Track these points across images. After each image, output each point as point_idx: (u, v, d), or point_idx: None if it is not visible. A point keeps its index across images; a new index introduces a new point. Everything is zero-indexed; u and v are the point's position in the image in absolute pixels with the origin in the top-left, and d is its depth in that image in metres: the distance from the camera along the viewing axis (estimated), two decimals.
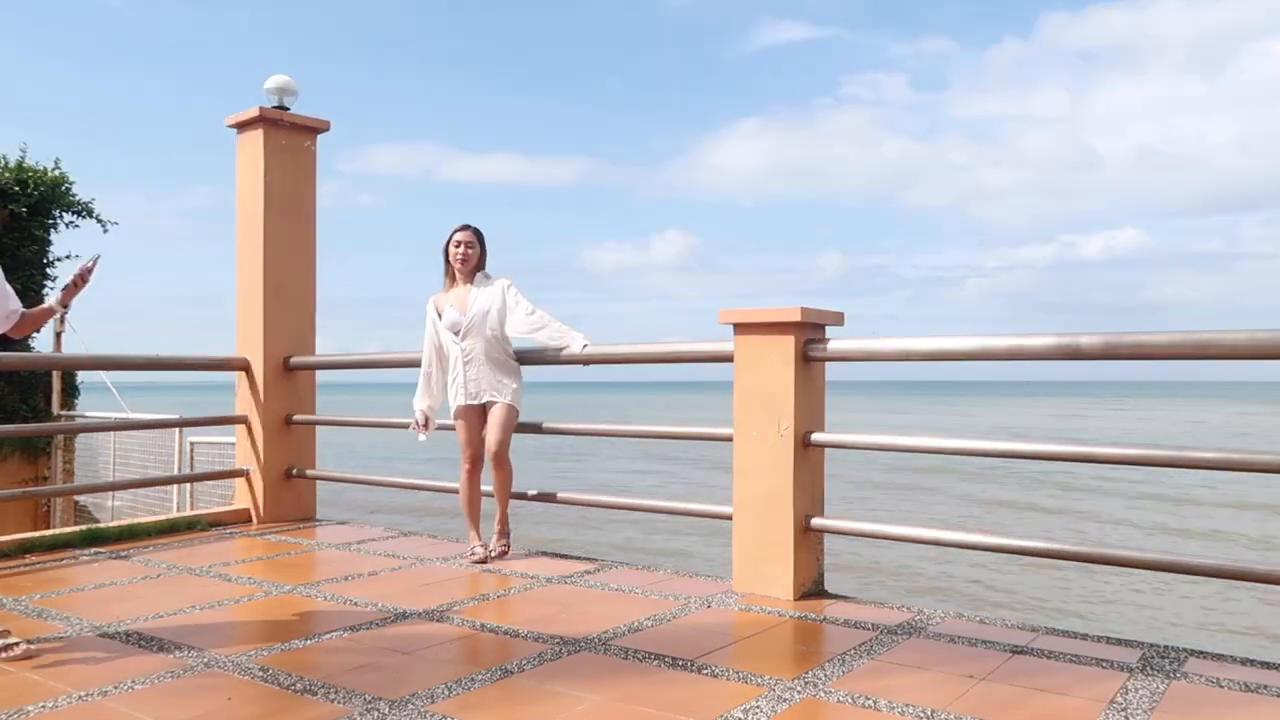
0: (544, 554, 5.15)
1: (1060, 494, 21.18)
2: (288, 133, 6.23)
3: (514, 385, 4.92)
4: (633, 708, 2.76)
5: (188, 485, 8.83)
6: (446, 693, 2.88)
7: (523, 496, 5.22)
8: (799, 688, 2.93)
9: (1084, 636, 3.55)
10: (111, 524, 5.86)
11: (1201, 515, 18.52)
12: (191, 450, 9.24)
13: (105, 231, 11.99)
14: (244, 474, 6.27)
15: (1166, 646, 3.40)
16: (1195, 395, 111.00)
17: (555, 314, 4.92)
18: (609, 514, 15.69)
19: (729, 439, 4.33)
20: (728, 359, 4.32)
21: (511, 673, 3.08)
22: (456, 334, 4.88)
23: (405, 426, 5.30)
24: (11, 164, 11.16)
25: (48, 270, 11.35)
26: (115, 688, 2.93)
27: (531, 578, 4.54)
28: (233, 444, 6.68)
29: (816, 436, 4.13)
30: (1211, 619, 11.06)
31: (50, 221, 11.34)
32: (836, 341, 4.12)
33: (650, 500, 5.13)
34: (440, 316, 4.97)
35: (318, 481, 6.47)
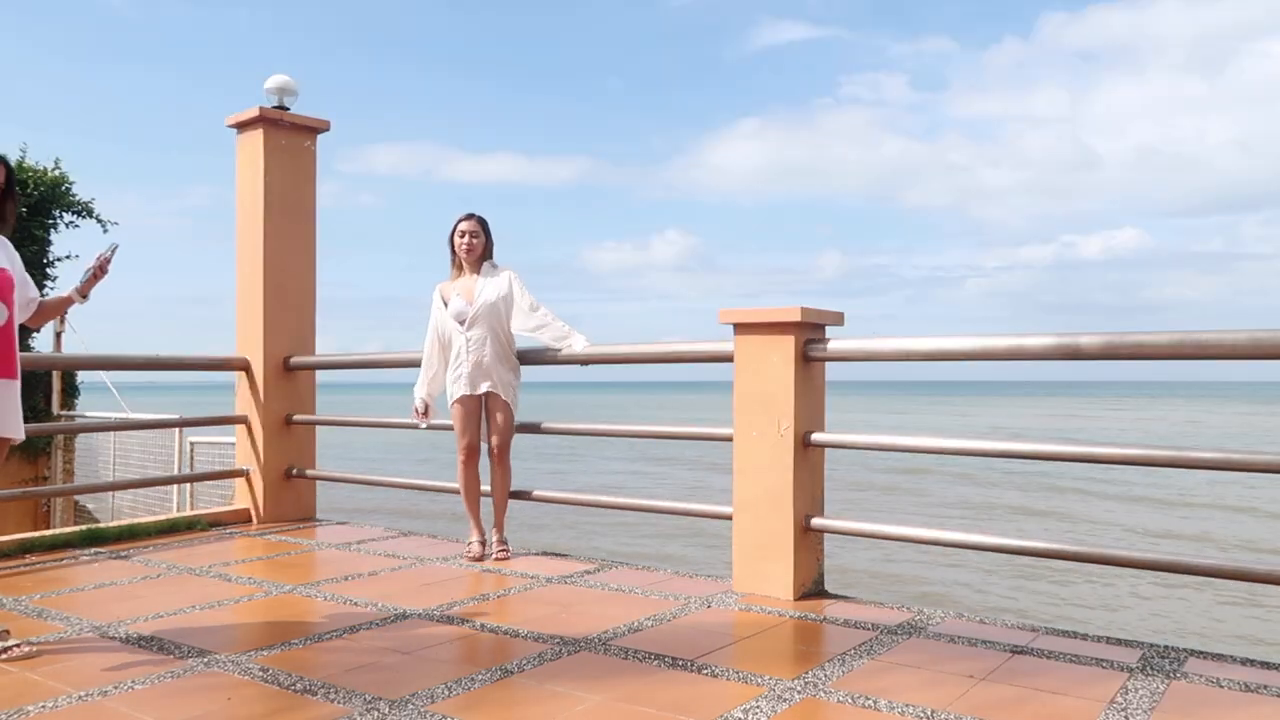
0: (544, 554, 5.15)
1: (1049, 495, 21.08)
2: (288, 133, 6.23)
3: (514, 379, 4.92)
4: (633, 708, 2.76)
5: (188, 485, 8.84)
6: (446, 693, 2.88)
7: (525, 496, 5.22)
8: (799, 688, 2.93)
9: (1084, 636, 3.55)
10: (111, 524, 5.86)
11: (1199, 518, 18.52)
12: (191, 450, 9.24)
13: (105, 231, 12.02)
14: (244, 474, 6.27)
15: (1166, 646, 3.40)
16: (1195, 395, 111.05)
17: (555, 313, 4.93)
18: (605, 520, 15.68)
19: (729, 439, 4.33)
20: (728, 359, 4.32)
21: (511, 673, 3.08)
22: (462, 323, 4.87)
23: (405, 426, 5.30)
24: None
25: (48, 270, 11.36)
26: (115, 688, 2.93)
27: (531, 578, 4.54)
28: (233, 444, 6.68)
29: (816, 436, 4.13)
30: (1211, 619, 11.07)
31: (50, 221, 11.35)
32: (836, 341, 4.12)
33: (650, 500, 5.13)
34: (446, 305, 4.96)
35: (317, 481, 6.47)
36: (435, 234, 5.09)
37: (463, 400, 4.90)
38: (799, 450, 4.08)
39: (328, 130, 6.42)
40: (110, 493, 10.40)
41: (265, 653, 3.30)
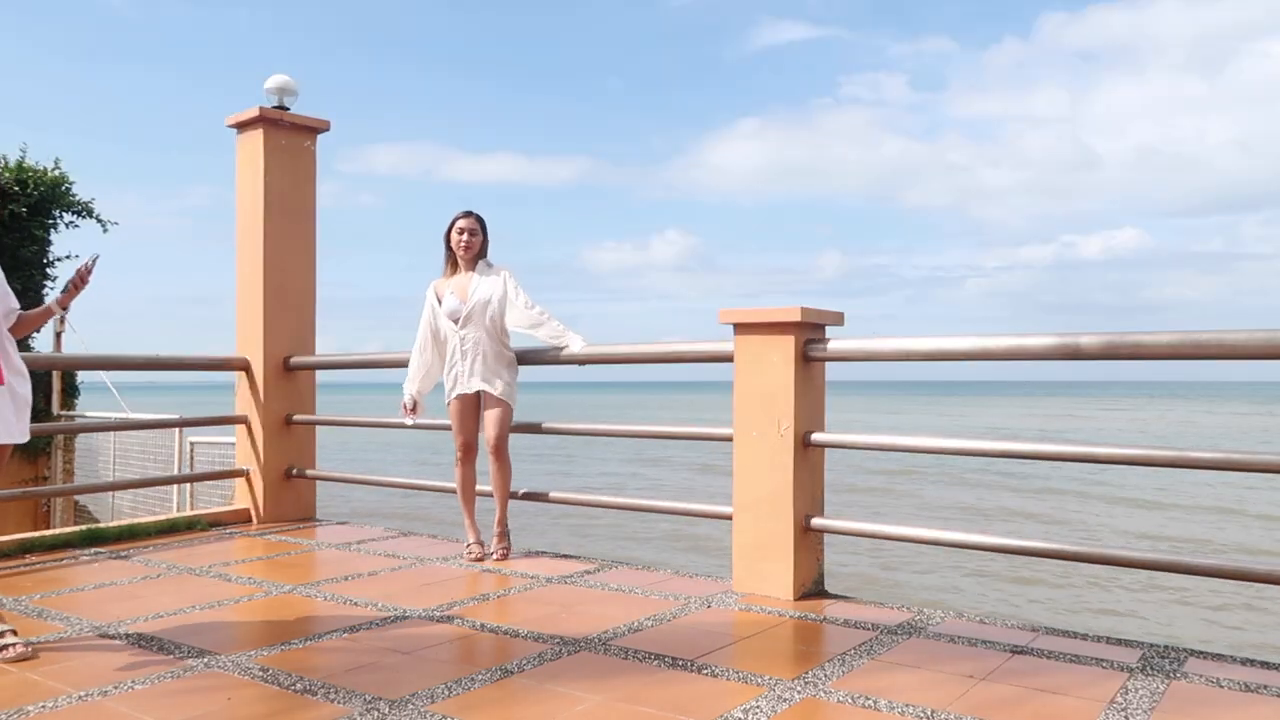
0: (544, 554, 5.15)
1: (1041, 497, 20.99)
2: (288, 133, 6.23)
3: (509, 378, 4.90)
4: (633, 708, 2.76)
5: (188, 485, 8.83)
6: (446, 693, 2.88)
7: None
8: (799, 688, 2.93)
9: (1084, 636, 3.55)
10: (111, 524, 5.86)
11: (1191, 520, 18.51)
12: (191, 450, 9.24)
13: (105, 231, 12.01)
14: (244, 474, 6.27)
15: (1166, 646, 3.40)
16: (1195, 395, 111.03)
17: (554, 314, 4.92)
18: (601, 525, 15.67)
19: (729, 439, 4.33)
20: (728, 359, 4.32)
21: (511, 673, 3.08)
22: (456, 321, 4.86)
23: (403, 426, 5.30)
24: (11, 164, 11.17)
25: (48, 270, 11.36)
26: (115, 688, 2.93)
27: (531, 578, 4.54)
28: (233, 444, 6.68)
29: (816, 436, 4.13)
30: (1212, 620, 11.07)
31: (50, 221, 11.35)
32: (836, 341, 4.12)
33: (650, 500, 5.13)
34: (440, 303, 4.96)
35: (317, 481, 6.47)
36: (435, 234, 5.06)
37: (459, 399, 4.90)
38: (799, 450, 4.08)
39: (328, 130, 6.42)
40: (110, 493, 10.39)
41: (265, 653, 3.30)
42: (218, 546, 5.40)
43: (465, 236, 4.90)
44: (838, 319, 4.24)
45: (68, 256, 11.56)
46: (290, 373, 6.27)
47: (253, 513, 6.21)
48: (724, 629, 3.65)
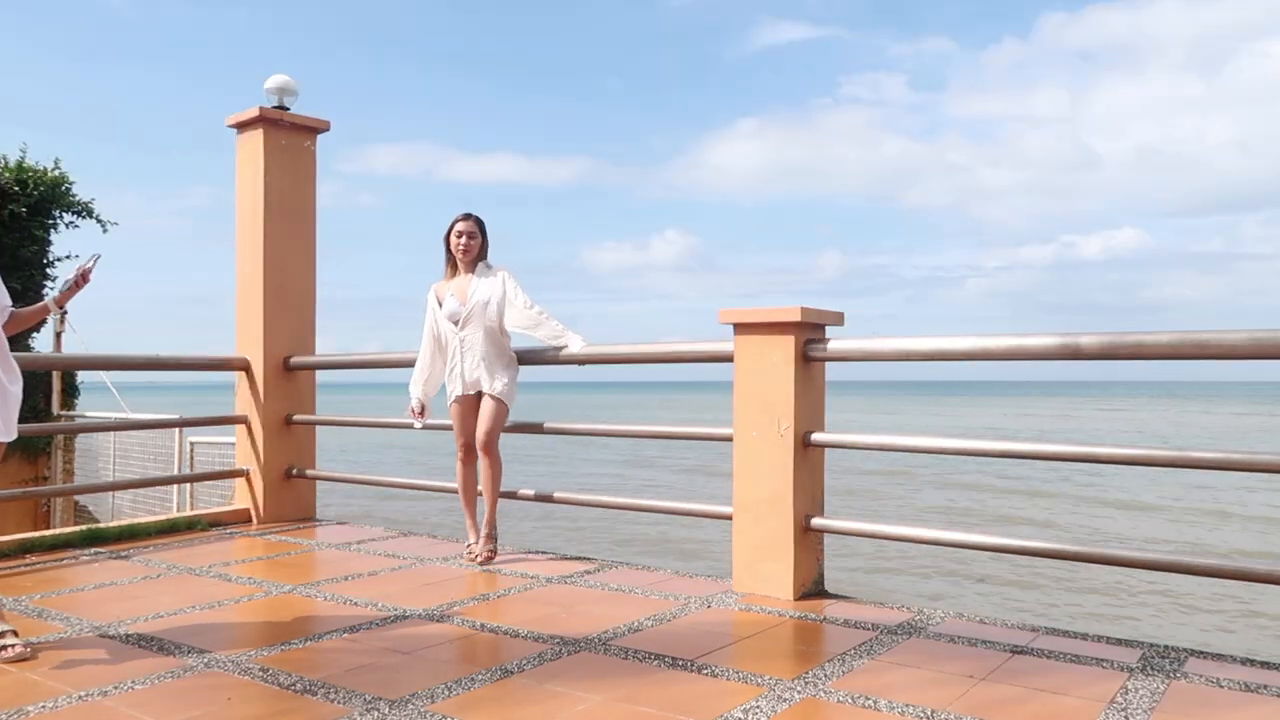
0: (544, 554, 5.15)
1: (1034, 500, 20.95)
2: (288, 133, 6.23)
3: (507, 378, 4.90)
4: (633, 708, 2.76)
5: (188, 485, 8.84)
6: (446, 693, 2.88)
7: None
8: (799, 688, 2.93)
9: (1084, 636, 3.55)
10: (111, 524, 5.86)
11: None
12: (191, 450, 9.25)
13: (105, 231, 12.02)
14: (244, 474, 6.27)
15: (1166, 646, 3.40)
16: (1194, 395, 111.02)
17: (554, 314, 4.93)
18: (599, 529, 15.67)
19: (729, 439, 4.33)
20: (728, 359, 4.32)
21: (511, 673, 3.08)
22: (456, 323, 4.87)
23: (403, 426, 5.30)
24: (11, 164, 11.17)
25: (48, 270, 11.36)
26: (115, 688, 2.93)
27: (531, 578, 4.54)
28: (233, 444, 6.68)
29: (816, 436, 4.13)
30: (1212, 621, 11.07)
31: (50, 221, 11.35)
32: (836, 341, 4.12)
33: (650, 500, 5.13)
34: (440, 305, 4.96)
35: (317, 482, 6.47)
36: (435, 234, 5.08)
37: (459, 400, 4.91)
38: (799, 450, 4.08)
39: (328, 130, 6.42)
40: (110, 493, 10.40)
41: (265, 653, 3.30)
42: (218, 546, 5.40)
43: (464, 239, 4.91)
44: (838, 319, 4.24)
45: (68, 256, 11.59)
46: (290, 373, 6.27)
47: (253, 513, 6.21)
48: (724, 629, 3.65)
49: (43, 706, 2.77)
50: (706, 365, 4.67)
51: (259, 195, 6.13)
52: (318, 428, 6.53)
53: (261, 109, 6.09)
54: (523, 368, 5.04)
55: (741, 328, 4.21)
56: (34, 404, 10.84)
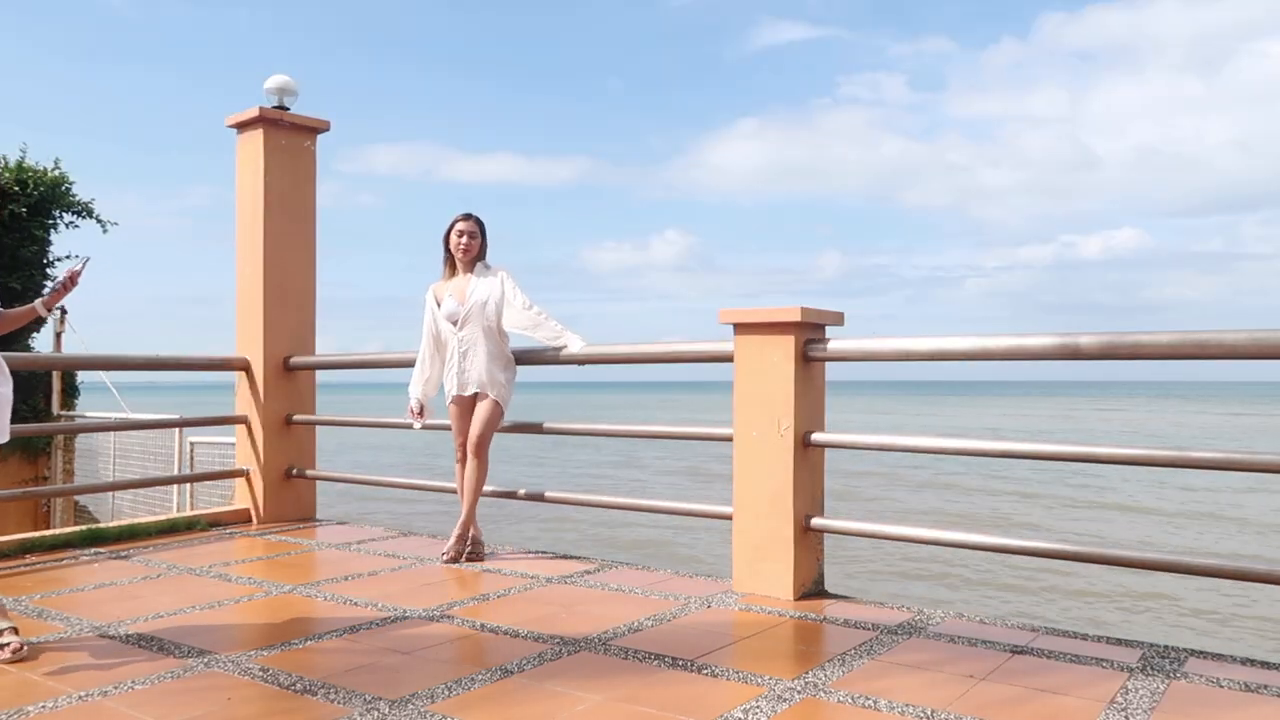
0: (544, 554, 5.15)
1: (1028, 502, 20.89)
2: (288, 133, 6.23)
3: (504, 380, 4.90)
4: (633, 708, 2.76)
5: (188, 485, 8.84)
6: (446, 693, 2.88)
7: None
8: (799, 688, 2.93)
9: (1084, 636, 3.55)
10: (111, 524, 5.86)
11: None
12: (191, 450, 9.25)
13: (105, 231, 12.01)
14: (244, 474, 6.27)
15: (1166, 646, 3.40)
16: (1194, 395, 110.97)
17: (553, 314, 4.93)
18: (596, 531, 15.67)
19: (729, 439, 4.33)
20: (728, 359, 4.32)
21: (511, 673, 3.08)
22: (454, 323, 4.87)
23: (403, 426, 5.30)
24: (11, 164, 11.17)
25: (48, 270, 11.36)
26: (115, 688, 2.93)
27: (531, 578, 4.54)
28: (233, 444, 6.68)
29: (816, 436, 4.13)
30: (1212, 621, 11.07)
31: (50, 221, 11.35)
32: (836, 341, 4.12)
33: (650, 500, 5.13)
34: (439, 305, 4.96)
35: (317, 482, 6.47)
36: (435, 234, 5.08)
37: (457, 400, 4.91)
38: (799, 450, 4.09)
39: (328, 130, 6.42)
40: (110, 493, 10.40)
41: (265, 653, 3.30)
42: (218, 546, 5.40)
43: (464, 239, 4.91)
44: (838, 319, 4.24)
45: (67, 256, 11.59)
46: (290, 373, 6.27)
47: (253, 513, 6.21)
48: (724, 629, 3.65)
49: (43, 706, 2.77)
50: (706, 365, 4.67)
51: (259, 195, 6.13)
52: (318, 428, 6.54)
53: (261, 109, 6.09)
54: (522, 368, 5.04)
55: (741, 328, 4.21)
56: (34, 404, 10.84)
